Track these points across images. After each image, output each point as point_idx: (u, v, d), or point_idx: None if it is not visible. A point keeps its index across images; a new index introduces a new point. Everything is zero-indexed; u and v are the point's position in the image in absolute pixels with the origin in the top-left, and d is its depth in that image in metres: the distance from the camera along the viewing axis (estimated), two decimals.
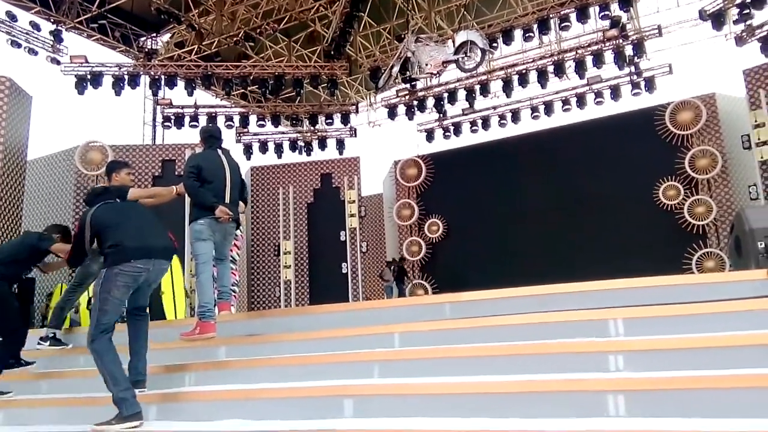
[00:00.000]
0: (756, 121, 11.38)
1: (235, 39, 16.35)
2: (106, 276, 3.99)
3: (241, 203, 5.31)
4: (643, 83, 14.75)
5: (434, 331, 4.34)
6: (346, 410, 3.59)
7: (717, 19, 12.89)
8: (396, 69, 12.15)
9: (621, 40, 14.13)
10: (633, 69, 14.70)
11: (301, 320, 5.15)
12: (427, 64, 11.50)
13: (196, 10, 16.22)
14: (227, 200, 5.10)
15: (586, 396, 3.19)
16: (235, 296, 6.34)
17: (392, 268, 15.31)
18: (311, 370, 4.13)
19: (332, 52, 15.78)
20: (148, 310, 4.46)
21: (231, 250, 6.29)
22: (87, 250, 4.25)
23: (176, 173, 14.13)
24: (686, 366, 3.30)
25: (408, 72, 12.33)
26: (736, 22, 12.81)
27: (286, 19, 15.98)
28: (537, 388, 3.33)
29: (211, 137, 5.40)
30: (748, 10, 12.14)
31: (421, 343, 4.25)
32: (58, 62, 15.09)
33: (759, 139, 11.25)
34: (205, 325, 4.72)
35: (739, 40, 12.90)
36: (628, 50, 14.22)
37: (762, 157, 11.13)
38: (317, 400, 3.72)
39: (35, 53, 14.88)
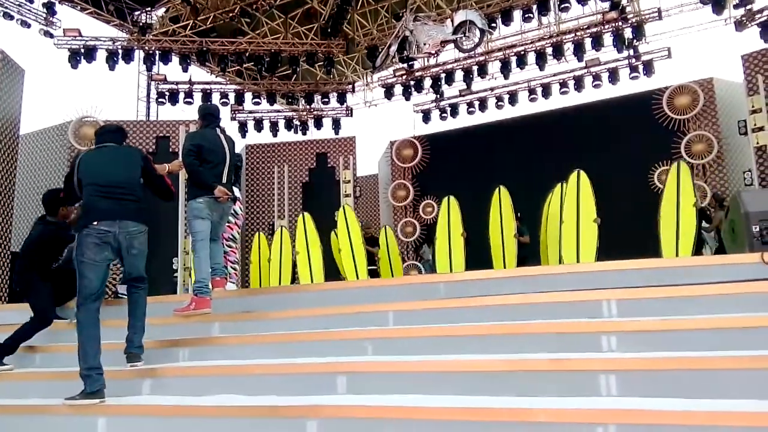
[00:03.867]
0: (753, 106, 11.38)
1: (230, 14, 16.13)
2: (77, 240, 4.03)
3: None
4: (641, 67, 14.67)
5: (428, 310, 4.34)
6: (339, 387, 3.60)
7: (717, 3, 12.81)
8: (394, 48, 12.04)
9: (620, 23, 14.05)
10: (632, 52, 14.63)
11: (295, 298, 5.15)
12: (425, 44, 11.41)
13: None
14: (225, 180, 5.14)
15: (578, 375, 3.20)
16: (235, 273, 6.35)
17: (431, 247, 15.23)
18: (305, 347, 4.13)
19: (329, 30, 15.62)
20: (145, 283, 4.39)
21: (231, 228, 6.29)
22: (77, 193, 4.21)
23: (170, 150, 14.07)
24: (679, 348, 3.32)
25: (406, 51, 12.21)
26: (736, 6, 12.74)
27: None
28: (530, 366, 3.35)
29: (209, 115, 5.40)
30: None
31: (415, 321, 4.26)
32: (51, 35, 14.89)
33: (755, 124, 11.25)
34: (201, 301, 4.74)
35: (739, 25, 12.84)
36: (628, 33, 14.14)
37: (758, 143, 11.15)
38: (310, 376, 3.73)
39: (28, 26, 14.68)
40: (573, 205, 6.71)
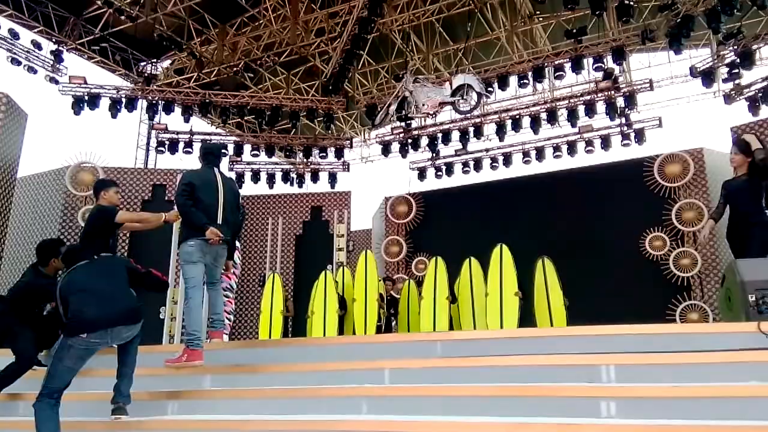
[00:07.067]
0: None
1: (235, 69, 16.54)
2: (61, 343, 3.89)
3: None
4: (633, 134, 15.04)
5: (425, 369, 4.30)
6: None
7: (707, 76, 13.28)
8: (393, 107, 12.29)
9: (613, 92, 14.47)
10: (624, 120, 15.01)
11: (289, 351, 5.09)
12: (423, 104, 11.67)
13: (198, 39, 16.44)
14: (219, 221, 4.93)
15: None
16: (229, 325, 6.24)
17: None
18: (299, 403, 4.06)
19: (330, 87, 15.98)
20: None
21: (229, 278, 6.19)
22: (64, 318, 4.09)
23: (166, 198, 14.09)
24: (676, 415, 3.30)
25: (404, 111, 12.48)
26: (725, 80, 13.19)
27: (286, 53, 16.22)
28: (528, 431, 3.31)
29: (209, 154, 5.27)
30: (737, 70, 12.53)
31: (412, 380, 4.21)
32: (57, 82, 15.15)
33: None
34: (193, 353, 4.61)
35: (728, 98, 13.26)
36: (620, 102, 14.54)
37: None
38: None
39: (35, 71, 14.95)
40: (496, 278, 7.01)
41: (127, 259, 4.47)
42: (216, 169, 5.17)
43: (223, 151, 15.62)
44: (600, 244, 13.33)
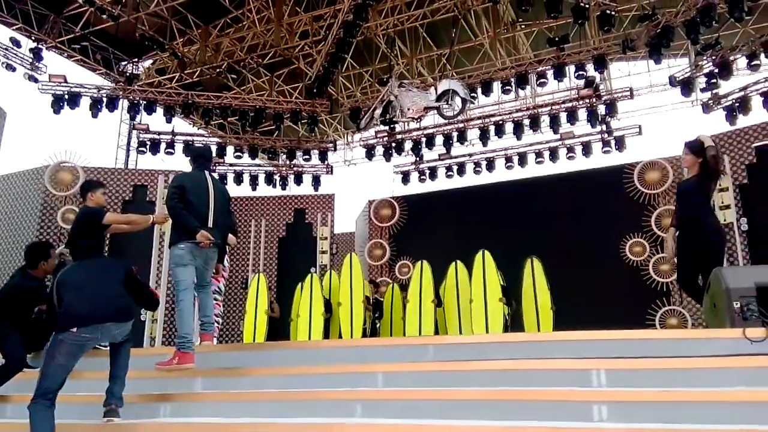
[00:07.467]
0: (720, 185, 11.85)
1: (217, 70, 16.45)
2: (52, 341, 3.89)
3: (231, 236, 5.22)
4: (613, 142, 15.28)
5: (418, 372, 4.34)
6: None
7: (686, 86, 13.56)
8: (378, 111, 12.32)
9: (594, 100, 14.69)
10: (604, 128, 15.25)
11: (281, 354, 5.09)
12: (408, 109, 11.70)
13: (181, 39, 16.33)
14: (210, 224, 4.94)
15: None
16: (217, 327, 6.21)
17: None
18: (293, 405, 4.07)
19: (314, 90, 15.97)
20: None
21: (218, 281, 6.18)
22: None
23: (147, 199, 13.95)
24: (665, 419, 3.38)
25: (389, 115, 12.52)
26: (703, 90, 13.45)
27: (270, 55, 16.18)
28: None
29: (199, 157, 5.29)
30: (715, 80, 12.81)
31: (405, 383, 4.24)
32: (36, 80, 14.91)
33: (723, 202, 11.71)
34: (184, 356, 4.60)
35: (706, 107, 13.54)
36: (601, 109, 14.76)
37: (725, 220, 11.56)
38: None
39: (13, 69, 14.70)
40: (480, 284, 7.11)
41: (128, 264, 4.43)
42: (207, 172, 5.18)
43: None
44: (581, 250, 13.49)
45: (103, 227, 5.43)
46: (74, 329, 3.80)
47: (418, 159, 17.05)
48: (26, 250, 5.23)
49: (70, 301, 3.96)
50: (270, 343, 6.73)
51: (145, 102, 15.41)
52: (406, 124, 16.17)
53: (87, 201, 5.80)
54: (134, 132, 16.97)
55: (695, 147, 5.48)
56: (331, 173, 17.59)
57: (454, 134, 16.06)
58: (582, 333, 4.46)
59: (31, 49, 14.93)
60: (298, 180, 17.34)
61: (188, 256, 4.84)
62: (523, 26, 16.21)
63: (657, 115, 17.19)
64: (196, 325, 5.39)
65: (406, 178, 17.25)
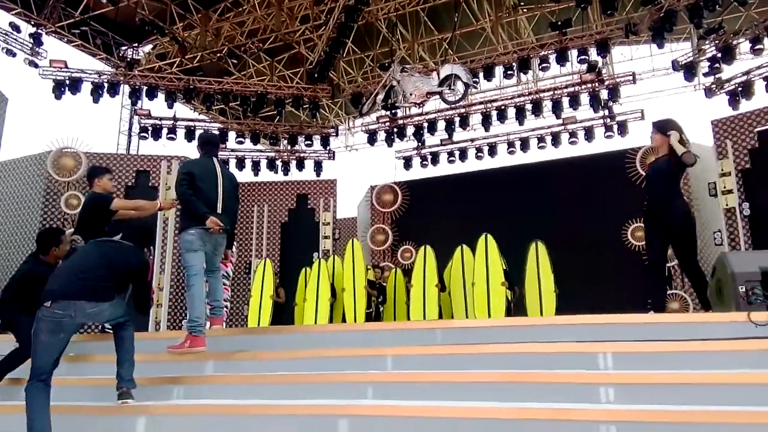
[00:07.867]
0: (722, 170, 11.89)
1: (218, 55, 16.38)
2: (35, 318, 3.94)
3: None
4: (615, 127, 15.27)
5: (427, 356, 4.39)
6: (341, 430, 3.60)
7: (689, 70, 13.52)
8: (380, 96, 12.29)
9: (597, 84, 14.66)
10: (607, 112, 15.22)
11: (290, 338, 5.15)
12: (411, 94, 11.65)
13: (181, 24, 16.23)
14: (219, 210, 4.99)
15: (579, 425, 3.28)
16: (225, 311, 6.28)
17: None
18: (304, 388, 4.13)
19: (315, 75, 15.92)
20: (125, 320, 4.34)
21: (226, 266, 6.24)
22: None
23: (150, 184, 13.97)
24: (672, 401, 3.43)
25: (391, 100, 12.50)
26: (706, 74, 13.42)
27: (271, 40, 16.11)
28: (531, 415, 3.41)
29: (207, 143, 5.34)
30: (718, 64, 12.78)
31: (414, 366, 4.30)
32: (37, 65, 14.84)
33: (725, 187, 11.74)
34: (196, 339, 4.68)
35: (709, 92, 13.52)
36: (603, 94, 14.74)
37: (727, 205, 11.61)
38: (311, 419, 3.72)
39: (13, 54, 14.62)
40: (482, 268, 7.15)
41: (145, 257, 4.45)
42: (215, 159, 5.23)
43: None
44: (583, 234, 13.56)
45: (111, 213, 5.48)
46: (48, 303, 3.87)
47: (420, 144, 17.04)
48: (38, 237, 5.30)
49: (50, 278, 4.07)
50: (278, 327, 6.79)
51: (146, 87, 15.38)
52: (407, 109, 16.14)
53: (94, 187, 5.84)
54: (136, 117, 16.91)
55: (662, 126, 5.40)
56: (333, 158, 17.60)
57: (456, 119, 16.06)
58: (589, 317, 4.53)
59: (30, 34, 14.83)
60: (300, 165, 17.35)
61: (198, 241, 4.90)
62: (525, 10, 16.11)
63: (659, 100, 17.17)
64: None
65: (408, 163, 17.26)
